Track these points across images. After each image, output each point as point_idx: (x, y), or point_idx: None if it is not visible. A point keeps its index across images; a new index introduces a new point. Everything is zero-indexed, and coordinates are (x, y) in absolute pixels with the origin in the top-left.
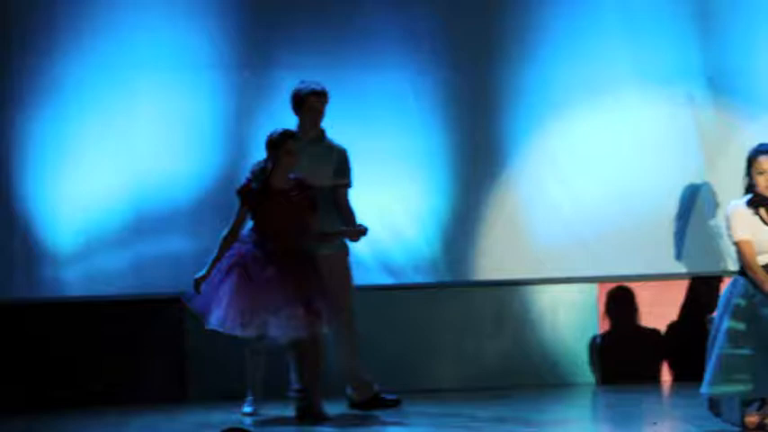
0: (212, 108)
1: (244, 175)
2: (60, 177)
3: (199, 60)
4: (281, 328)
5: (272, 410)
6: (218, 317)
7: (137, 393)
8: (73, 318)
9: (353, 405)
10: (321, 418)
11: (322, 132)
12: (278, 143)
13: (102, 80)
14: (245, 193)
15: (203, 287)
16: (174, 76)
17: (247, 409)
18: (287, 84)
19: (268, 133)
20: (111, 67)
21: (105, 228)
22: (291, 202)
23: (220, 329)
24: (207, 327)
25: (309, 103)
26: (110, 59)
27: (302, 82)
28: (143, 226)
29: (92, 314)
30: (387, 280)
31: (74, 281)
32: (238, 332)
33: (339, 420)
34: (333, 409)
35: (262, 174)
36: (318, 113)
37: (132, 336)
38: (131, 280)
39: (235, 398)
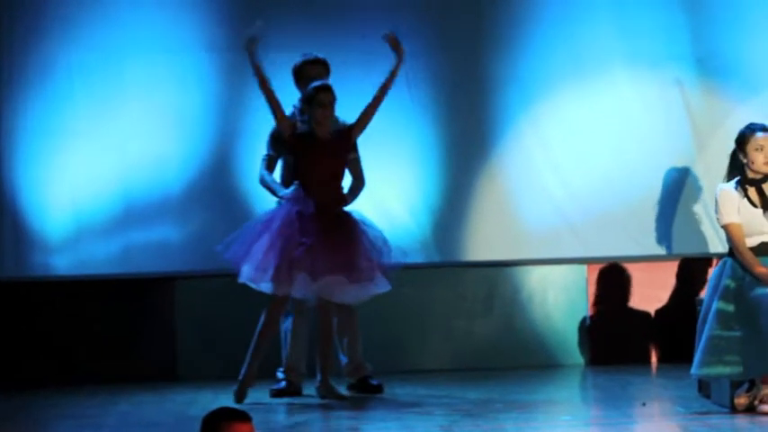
0: (202, 91)
1: (234, 158)
2: (50, 162)
3: (189, 43)
4: (315, 291)
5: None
6: (249, 271)
7: (126, 373)
8: (63, 298)
9: (350, 387)
10: (333, 395)
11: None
12: (312, 97)
13: (92, 64)
14: (293, 137)
15: (238, 243)
16: (163, 59)
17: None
18: (277, 66)
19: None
20: (101, 50)
21: (95, 212)
22: (334, 151)
23: (251, 284)
24: (239, 280)
25: (305, 73)
26: (99, 43)
27: (302, 54)
28: (132, 210)
29: (81, 294)
30: None
31: (63, 265)
32: (265, 288)
33: (324, 403)
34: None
35: (305, 126)
36: (329, 108)
37: (122, 316)
38: (120, 265)
39: (224, 378)
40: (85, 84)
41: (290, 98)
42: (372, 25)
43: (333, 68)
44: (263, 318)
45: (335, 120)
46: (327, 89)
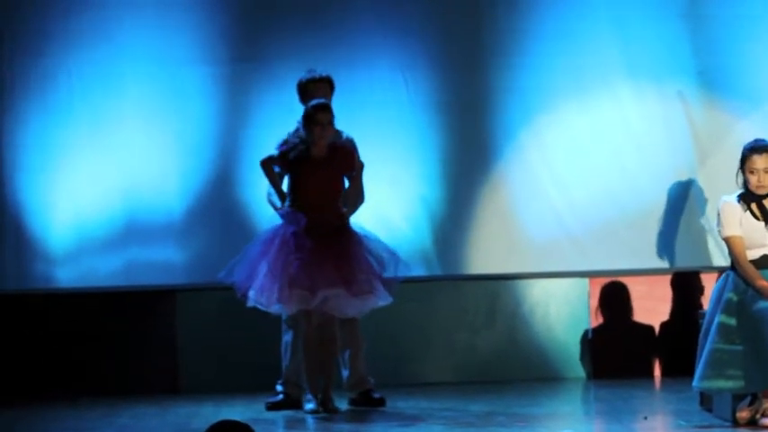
0: (203, 104)
1: (235, 170)
2: (51, 175)
3: (189, 56)
4: (315, 306)
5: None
6: (255, 295)
7: (127, 385)
8: (64, 310)
9: (352, 402)
10: (332, 411)
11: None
12: (310, 116)
13: (93, 78)
14: (283, 161)
15: (241, 266)
16: (164, 73)
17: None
18: (277, 78)
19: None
20: (101, 64)
21: (96, 225)
22: (329, 170)
23: (259, 306)
24: (247, 305)
25: (310, 90)
26: (100, 57)
27: (307, 71)
28: (134, 222)
29: (83, 307)
30: None
31: (65, 278)
32: (274, 309)
33: (327, 417)
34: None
35: (301, 145)
36: (327, 128)
37: (124, 328)
38: (122, 277)
39: (226, 390)
40: (86, 97)
41: (293, 114)
42: (374, 37)
43: (335, 78)
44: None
45: (338, 134)
46: (325, 108)
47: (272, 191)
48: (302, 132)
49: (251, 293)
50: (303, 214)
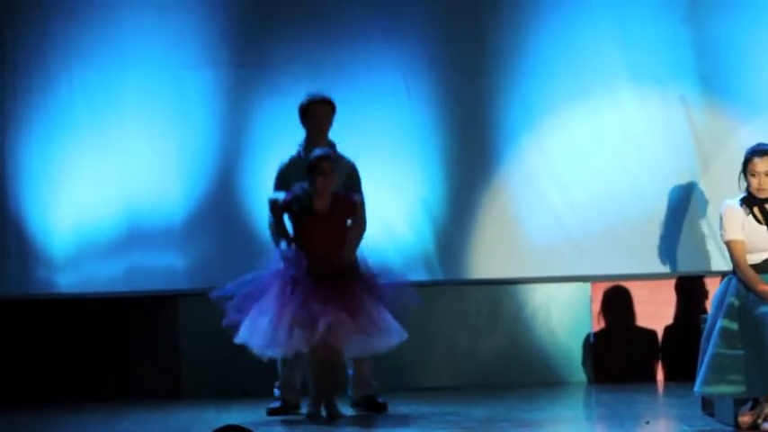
0: (205, 108)
1: (237, 175)
2: (53, 179)
3: (190, 61)
4: (318, 339)
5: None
6: (246, 333)
7: (130, 391)
8: (66, 315)
9: (355, 405)
10: (336, 416)
11: (331, 145)
12: (313, 166)
13: (94, 82)
14: (287, 213)
15: (235, 299)
16: (166, 77)
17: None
18: (279, 82)
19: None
20: (103, 69)
21: (98, 230)
22: (331, 221)
23: (250, 347)
24: (235, 340)
25: (311, 112)
26: (101, 62)
27: (308, 94)
28: (136, 228)
29: (85, 312)
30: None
31: (66, 283)
32: (268, 353)
33: (330, 422)
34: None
35: (305, 196)
36: (320, 121)
37: (126, 334)
38: (124, 283)
39: (228, 396)
40: (88, 103)
41: (292, 116)
42: (375, 41)
43: (335, 85)
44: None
45: (340, 158)
46: (327, 158)
47: (273, 222)
48: (302, 154)
49: (242, 332)
50: (304, 257)
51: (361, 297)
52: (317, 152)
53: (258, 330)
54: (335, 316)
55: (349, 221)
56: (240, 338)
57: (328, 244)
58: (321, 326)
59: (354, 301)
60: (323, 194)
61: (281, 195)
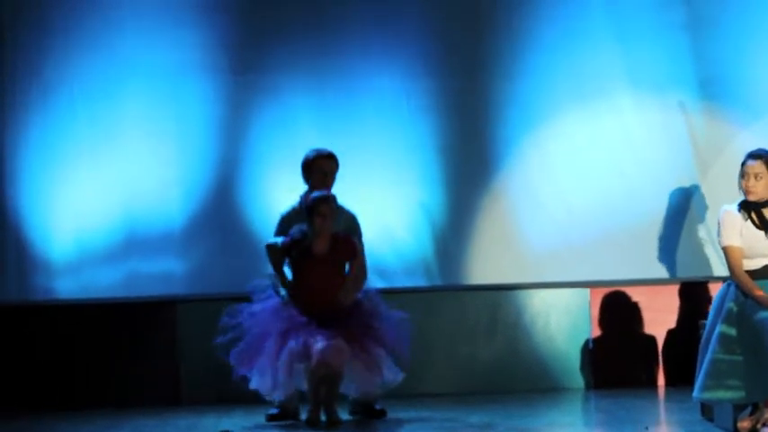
0: (205, 115)
1: (236, 181)
2: (53, 186)
3: (189, 67)
4: (316, 364)
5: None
6: (254, 381)
7: (129, 397)
8: (65, 321)
9: (354, 411)
10: (336, 423)
11: (333, 198)
12: (312, 208)
13: (94, 89)
14: (286, 247)
15: (240, 348)
16: (165, 84)
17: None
18: (278, 88)
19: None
20: (102, 75)
21: (97, 236)
22: (330, 262)
23: (260, 392)
24: (249, 386)
25: (316, 166)
26: (101, 68)
27: (313, 150)
28: (135, 234)
29: (84, 318)
30: (379, 283)
31: (65, 289)
32: (275, 396)
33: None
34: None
35: (303, 238)
36: (325, 176)
37: (124, 340)
38: (122, 289)
39: (227, 402)
40: (87, 109)
41: (293, 121)
42: (374, 47)
43: (335, 91)
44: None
45: (340, 210)
46: (327, 200)
47: (272, 267)
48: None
49: (252, 380)
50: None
51: (359, 333)
52: (317, 194)
53: (263, 376)
54: (333, 341)
55: (348, 266)
56: (252, 385)
57: (327, 286)
58: (317, 347)
59: (353, 334)
60: (322, 236)
61: (279, 240)
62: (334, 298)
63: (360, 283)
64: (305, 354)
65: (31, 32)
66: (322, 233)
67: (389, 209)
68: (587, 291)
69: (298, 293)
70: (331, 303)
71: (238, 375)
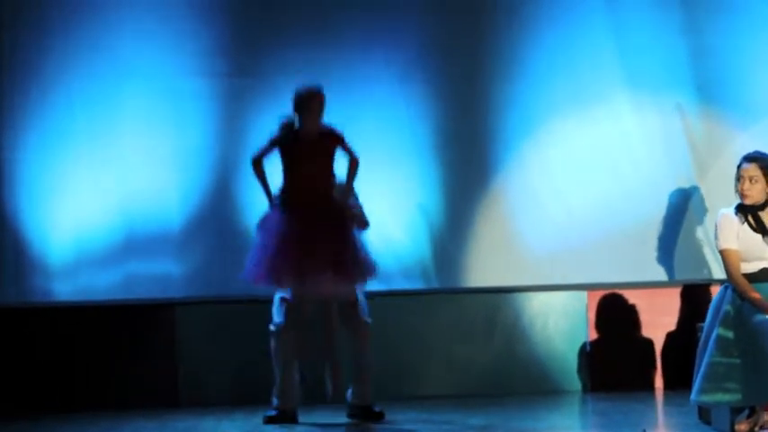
0: (202, 118)
1: (234, 183)
2: (51, 189)
3: (187, 70)
4: (309, 289)
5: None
6: (250, 272)
7: (127, 400)
8: (63, 324)
9: (352, 414)
10: (374, 416)
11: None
12: (300, 101)
13: (92, 92)
14: (275, 140)
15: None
16: (163, 86)
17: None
18: (275, 91)
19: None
20: (101, 78)
21: (95, 239)
22: (319, 151)
23: (253, 283)
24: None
25: (306, 104)
26: (98, 71)
27: (303, 84)
28: (133, 236)
29: (82, 321)
30: (377, 286)
31: (63, 292)
32: (270, 286)
33: (328, 429)
34: (329, 419)
35: (290, 127)
36: (316, 113)
37: (123, 342)
38: (121, 291)
39: (226, 404)
40: (85, 112)
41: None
42: (372, 51)
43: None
44: (273, 344)
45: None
46: (317, 95)
47: (256, 177)
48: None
49: (245, 273)
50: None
51: (343, 242)
52: (306, 88)
53: (256, 267)
54: (323, 275)
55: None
56: (244, 276)
57: (316, 176)
58: (309, 285)
59: (337, 249)
60: (310, 129)
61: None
62: (325, 191)
63: (355, 170)
64: (298, 276)
65: (29, 34)
66: (312, 127)
67: (387, 212)
68: (585, 293)
69: (290, 192)
70: (321, 195)
71: (247, 278)
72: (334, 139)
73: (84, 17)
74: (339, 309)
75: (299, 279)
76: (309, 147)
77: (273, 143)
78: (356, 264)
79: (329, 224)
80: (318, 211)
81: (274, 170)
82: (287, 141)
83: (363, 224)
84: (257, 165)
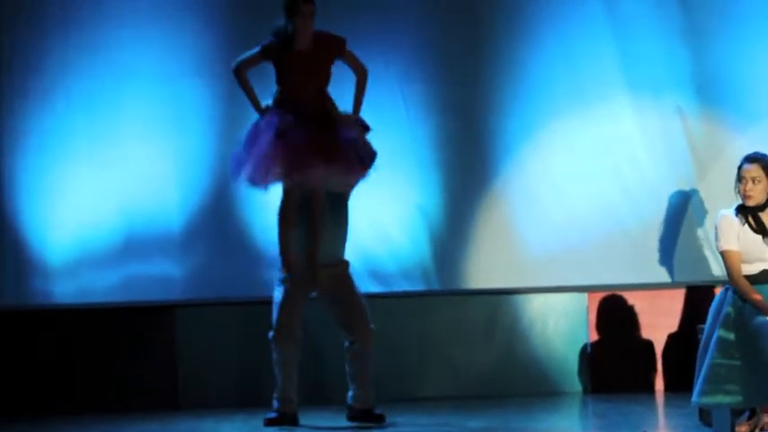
0: (203, 119)
1: (234, 185)
2: (51, 190)
3: (187, 70)
4: (302, 179)
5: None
6: (247, 172)
7: (127, 402)
8: (63, 326)
9: (353, 417)
10: (375, 419)
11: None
12: (292, 6)
13: (92, 92)
14: (267, 48)
15: (237, 153)
16: (164, 87)
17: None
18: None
19: None
20: (100, 79)
21: (96, 241)
22: (314, 60)
23: (250, 184)
24: (235, 179)
25: (298, 6)
26: (98, 72)
27: None
28: (134, 239)
29: (82, 323)
30: (376, 288)
31: (64, 294)
32: (262, 184)
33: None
34: (329, 421)
35: (282, 34)
36: (309, 16)
37: (123, 345)
38: (121, 293)
39: (226, 406)
40: (85, 111)
41: None
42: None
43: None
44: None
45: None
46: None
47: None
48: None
49: (242, 176)
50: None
51: (341, 142)
52: None
53: (252, 166)
54: (318, 168)
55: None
56: (244, 178)
57: (310, 85)
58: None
59: (333, 147)
60: (303, 35)
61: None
62: (320, 99)
63: (363, 80)
64: (288, 164)
65: (29, 35)
66: (304, 32)
67: (387, 213)
68: (585, 295)
69: (283, 104)
70: (316, 104)
71: (236, 177)
72: (333, 47)
73: (85, 19)
74: (342, 315)
75: (289, 169)
76: (304, 55)
77: (264, 52)
78: (352, 154)
79: (324, 123)
80: (313, 117)
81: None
82: (279, 50)
83: (364, 128)
84: (239, 73)
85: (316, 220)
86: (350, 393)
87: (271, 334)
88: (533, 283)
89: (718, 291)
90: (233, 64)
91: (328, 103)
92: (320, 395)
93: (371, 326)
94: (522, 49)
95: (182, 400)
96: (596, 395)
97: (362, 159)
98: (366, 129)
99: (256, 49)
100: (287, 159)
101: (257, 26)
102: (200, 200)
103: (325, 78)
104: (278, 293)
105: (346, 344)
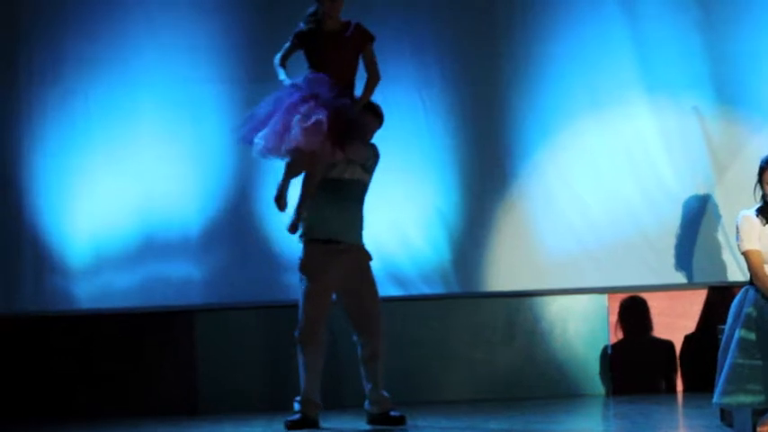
0: (220, 124)
1: (253, 189)
2: (69, 195)
3: (204, 76)
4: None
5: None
6: (259, 143)
7: (146, 407)
8: (83, 330)
9: (372, 420)
10: (394, 421)
11: (342, 24)
12: None
13: (110, 97)
14: (298, 33)
15: (251, 122)
16: (181, 92)
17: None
18: None
19: None
20: (117, 85)
21: (114, 245)
22: (343, 44)
23: (262, 154)
24: (254, 153)
25: None
26: (116, 78)
27: None
28: (152, 243)
29: (102, 327)
30: (396, 291)
31: (82, 298)
32: (273, 154)
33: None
34: (349, 424)
35: (313, 17)
36: (338, 1)
37: (142, 349)
38: (140, 298)
39: (245, 412)
40: (103, 119)
41: None
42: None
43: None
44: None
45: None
46: None
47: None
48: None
49: (256, 140)
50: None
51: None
52: None
53: (266, 136)
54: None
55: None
56: (255, 148)
57: (340, 66)
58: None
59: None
60: (333, 17)
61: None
62: (348, 82)
63: (373, 83)
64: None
65: (48, 40)
66: (333, 15)
67: (406, 217)
68: (605, 297)
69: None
70: (344, 88)
71: (246, 141)
72: (359, 38)
73: (102, 26)
74: (353, 307)
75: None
76: (333, 37)
77: (296, 37)
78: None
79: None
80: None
81: None
82: (309, 33)
83: (377, 115)
84: (280, 65)
85: (312, 180)
86: (366, 399)
87: (296, 333)
88: (553, 286)
89: (738, 291)
90: (274, 59)
91: (350, 91)
92: (338, 399)
93: (381, 326)
94: (540, 52)
95: (201, 404)
96: (617, 397)
97: (350, 125)
98: (378, 116)
99: (289, 41)
100: (331, 133)
101: (275, 31)
102: (220, 204)
103: (352, 66)
104: (301, 290)
105: (359, 348)
